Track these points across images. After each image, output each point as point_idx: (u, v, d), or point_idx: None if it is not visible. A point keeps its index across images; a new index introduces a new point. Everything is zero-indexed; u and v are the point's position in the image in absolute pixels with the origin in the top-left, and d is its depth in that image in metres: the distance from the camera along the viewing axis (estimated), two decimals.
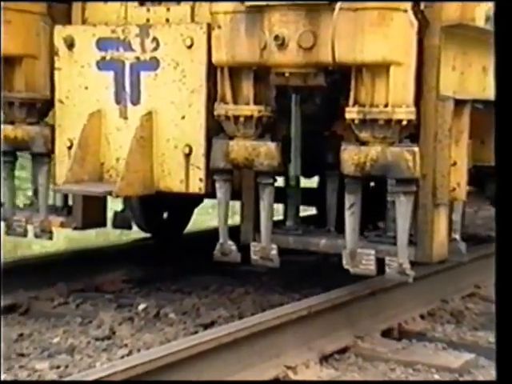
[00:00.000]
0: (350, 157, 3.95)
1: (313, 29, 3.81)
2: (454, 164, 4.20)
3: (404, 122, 3.86)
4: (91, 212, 5.14)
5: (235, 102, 4.17)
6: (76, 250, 6.73)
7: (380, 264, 4.11)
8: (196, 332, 4.53)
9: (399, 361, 4.41)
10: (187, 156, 4.41)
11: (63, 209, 5.19)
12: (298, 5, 3.82)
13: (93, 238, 5.84)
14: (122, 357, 4.15)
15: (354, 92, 3.89)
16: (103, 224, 5.37)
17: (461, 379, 4.24)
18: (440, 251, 4.24)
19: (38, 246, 7.16)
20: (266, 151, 4.16)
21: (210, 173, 4.37)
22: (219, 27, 4.04)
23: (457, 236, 4.52)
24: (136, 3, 4.82)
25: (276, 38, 3.81)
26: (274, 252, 4.30)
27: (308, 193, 5.85)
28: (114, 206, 5.78)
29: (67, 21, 5.01)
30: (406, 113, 3.85)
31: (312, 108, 4.43)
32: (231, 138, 4.26)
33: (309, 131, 4.47)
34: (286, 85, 4.12)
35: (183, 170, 4.43)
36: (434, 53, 4.05)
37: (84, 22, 4.98)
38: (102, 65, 4.64)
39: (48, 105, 4.87)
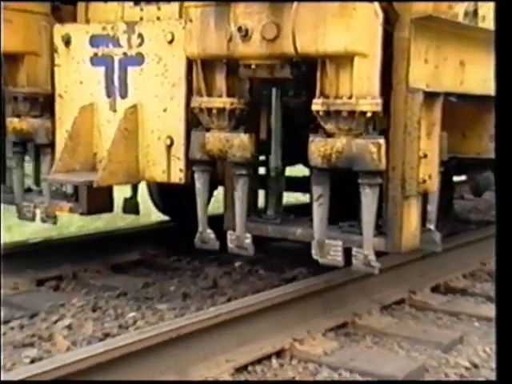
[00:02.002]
0: (317, 148, 3.29)
1: (276, 20, 3.16)
2: (425, 156, 3.49)
3: (368, 114, 3.17)
4: (96, 198, 4.54)
5: (209, 94, 3.55)
6: None
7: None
8: (280, 285, 4.45)
9: (445, 311, 4.51)
10: (169, 147, 3.83)
11: (73, 195, 4.62)
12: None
13: None
14: (223, 303, 4.21)
15: (319, 84, 3.24)
16: (109, 210, 4.77)
17: None
18: (410, 242, 3.55)
19: (155, 216, 7.06)
20: (239, 143, 3.53)
21: (190, 164, 3.74)
22: (191, 21, 3.41)
23: (431, 226, 3.82)
24: (131, 3, 4.22)
25: (239, 29, 3.17)
26: (248, 241, 3.69)
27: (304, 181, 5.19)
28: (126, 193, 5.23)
29: (74, 21, 4.44)
30: (370, 104, 3.18)
31: (296, 101, 3.76)
32: (208, 130, 3.62)
33: (295, 124, 3.81)
34: (260, 77, 3.45)
35: (165, 161, 3.85)
36: (404, 45, 3.35)
37: (87, 21, 4.39)
38: (94, 61, 4.08)
39: (50, 99, 4.30)
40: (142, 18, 4.12)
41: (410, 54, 3.35)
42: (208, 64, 3.50)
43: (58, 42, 4.18)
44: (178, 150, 3.78)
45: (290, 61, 3.22)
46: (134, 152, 3.87)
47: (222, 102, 3.50)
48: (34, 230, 6.41)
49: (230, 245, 3.72)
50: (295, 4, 3.01)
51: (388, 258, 4.31)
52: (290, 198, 6.38)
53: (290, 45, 3.10)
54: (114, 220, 6.75)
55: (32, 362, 3.34)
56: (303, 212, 4.08)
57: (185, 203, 6.43)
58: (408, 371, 3.41)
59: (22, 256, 5.11)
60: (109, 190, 4.64)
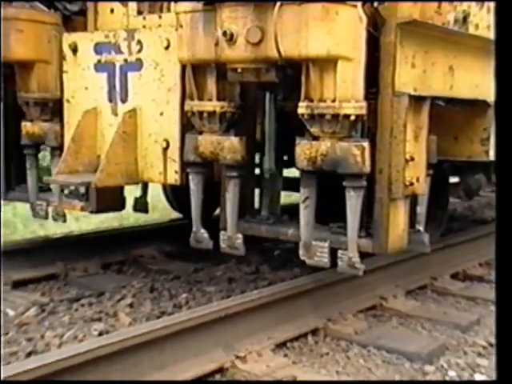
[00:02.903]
0: (303, 151, 3.00)
1: (260, 24, 2.86)
2: (412, 159, 3.16)
3: (352, 117, 2.86)
4: (105, 198, 4.28)
5: (200, 98, 3.28)
6: None
7: None
8: (316, 272, 4.23)
9: (464, 296, 4.49)
10: (165, 150, 3.57)
11: (84, 195, 4.38)
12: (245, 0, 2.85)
13: None
14: (264, 286, 4.16)
15: (304, 87, 2.93)
16: (119, 208, 4.51)
17: None
18: (397, 243, 3.23)
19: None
20: (230, 145, 3.25)
21: (185, 165, 3.47)
22: (181, 26, 3.13)
23: (421, 227, 3.49)
24: (135, 12, 3.98)
25: (224, 33, 2.87)
26: (239, 241, 3.41)
27: None
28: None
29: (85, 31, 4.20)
30: (354, 108, 2.86)
31: (291, 105, 3.46)
32: (200, 133, 3.34)
33: (291, 127, 3.50)
34: (248, 81, 3.14)
35: (162, 163, 3.59)
36: (390, 50, 3.04)
37: (96, 30, 4.14)
38: (98, 67, 3.84)
39: (59, 104, 4.06)
40: (144, 27, 3.86)
41: (396, 59, 3.03)
42: (199, 68, 3.22)
43: (66, 49, 3.96)
44: (174, 152, 3.52)
45: (276, 64, 2.91)
46: (132, 154, 3.62)
47: (213, 105, 3.22)
48: (99, 221, 6.57)
49: (222, 245, 3.45)
50: (277, 7, 2.71)
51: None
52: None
53: (274, 48, 2.80)
54: (168, 212, 6.70)
55: (100, 334, 3.40)
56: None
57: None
58: (430, 349, 3.38)
59: (91, 243, 5.17)
60: (118, 190, 4.39)
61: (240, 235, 3.39)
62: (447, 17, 3.51)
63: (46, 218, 4.36)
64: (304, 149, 2.98)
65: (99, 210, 4.33)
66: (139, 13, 3.99)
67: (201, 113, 3.25)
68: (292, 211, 3.79)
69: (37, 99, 4.09)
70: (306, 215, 3.10)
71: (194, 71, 3.20)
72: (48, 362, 2.50)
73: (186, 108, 3.31)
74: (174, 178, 3.54)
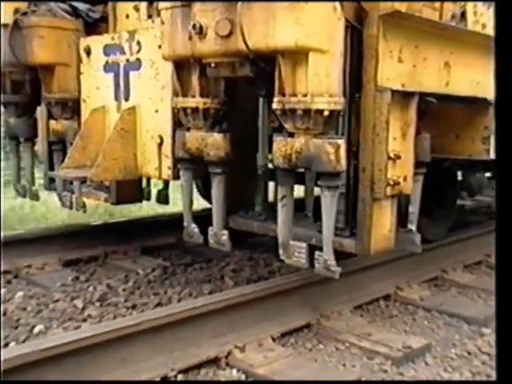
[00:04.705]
0: (278, 148, 2.42)
1: (230, 16, 2.29)
2: (399, 158, 2.54)
3: (326, 113, 2.26)
4: (124, 191, 3.83)
5: (184, 95, 2.75)
6: None
7: None
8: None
9: None
10: (159, 146, 3.06)
11: (107, 188, 3.95)
12: None
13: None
14: (344, 259, 3.78)
15: (277, 81, 2.35)
16: (138, 200, 4.06)
17: None
18: (381, 244, 2.63)
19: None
20: (213, 142, 2.72)
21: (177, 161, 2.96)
22: (163, 23, 2.59)
23: (413, 227, 2.86)
24: (145, 16, 3.49)
25: (194, 26, 2.33)
26: (225, 237, 2.88)
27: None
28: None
29: None
30: (327, 103, 2.26)
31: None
32: (188, 129, 2.81)
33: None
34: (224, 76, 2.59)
35: (157, 159, 3.10)
36: (372, 43, 2.42)
37: None
38: (106, 68, 3.41)
39: (78, 103, 3.64)
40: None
41: (379, 52, 2.40)
42: (183, 65, 2.69)
43: (82, 53, 3.52)
44: (167, 148, 3.04)
45: (249, 58, 2.35)
46: (131, 150, 3.15)
47: (195, 102, 2.69)
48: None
49: (210, 240, 2.92)
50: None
51: (469, 229, 4.51)
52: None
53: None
54: None
55: (210, 293, 3.39)
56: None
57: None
58: (486, 314, 3.29)
59: (200, 220, 5.09)
60: (137, 184, 3.93)
61: (225, 231, 2.86)
62: (448, 14, 2.86)
63: (71, 208, 3.95)
64: (280, 146, 2.40)
65: (119, 201, 3.90)
66: (149, 17, 3.51)
67: (184, 109, 2.72)
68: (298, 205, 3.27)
69: (58, 99, 3.70)
70: (283, 214, 2.53)
71: (178, 67, 2.68)
72: (173, 312, 2.57)
73: (172, 104, 2.80)
74: (167, 173, 3.04)
